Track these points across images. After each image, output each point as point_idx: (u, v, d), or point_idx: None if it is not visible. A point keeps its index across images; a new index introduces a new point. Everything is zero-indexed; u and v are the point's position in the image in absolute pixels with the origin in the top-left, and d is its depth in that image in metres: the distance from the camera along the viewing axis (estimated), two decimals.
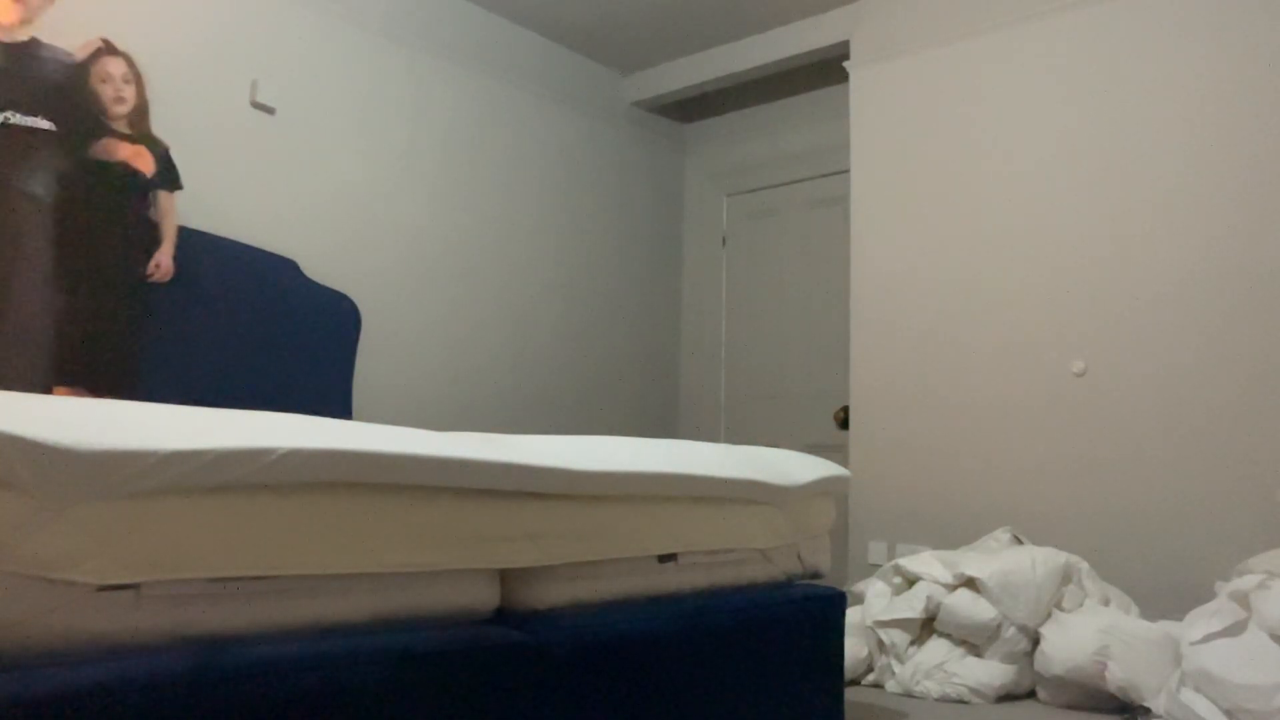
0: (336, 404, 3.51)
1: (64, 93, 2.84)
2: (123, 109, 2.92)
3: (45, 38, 2.87)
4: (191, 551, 1.21)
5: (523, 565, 1.64)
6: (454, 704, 1.44)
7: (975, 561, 3.02)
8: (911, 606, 3.02)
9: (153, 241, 2.98)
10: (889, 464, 3.90)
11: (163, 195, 3.03)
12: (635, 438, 2.10)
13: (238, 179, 3.49)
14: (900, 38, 4.06)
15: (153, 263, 2.95)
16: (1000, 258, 3.71)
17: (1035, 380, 3.57)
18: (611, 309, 4.90)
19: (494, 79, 4.39)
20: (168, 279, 2.99)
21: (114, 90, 2.90)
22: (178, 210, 3.07)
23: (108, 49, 2.93)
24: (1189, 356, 3.25)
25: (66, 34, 3.04)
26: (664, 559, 1.96)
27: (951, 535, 3.57)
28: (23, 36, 2.83)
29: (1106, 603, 3.01)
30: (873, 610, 3.11)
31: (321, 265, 3.66)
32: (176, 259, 3.02)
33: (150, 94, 3.03)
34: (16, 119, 2.72)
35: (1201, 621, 2.58)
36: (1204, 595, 2.82)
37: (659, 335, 5.17)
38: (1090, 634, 2.76)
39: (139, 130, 2.98)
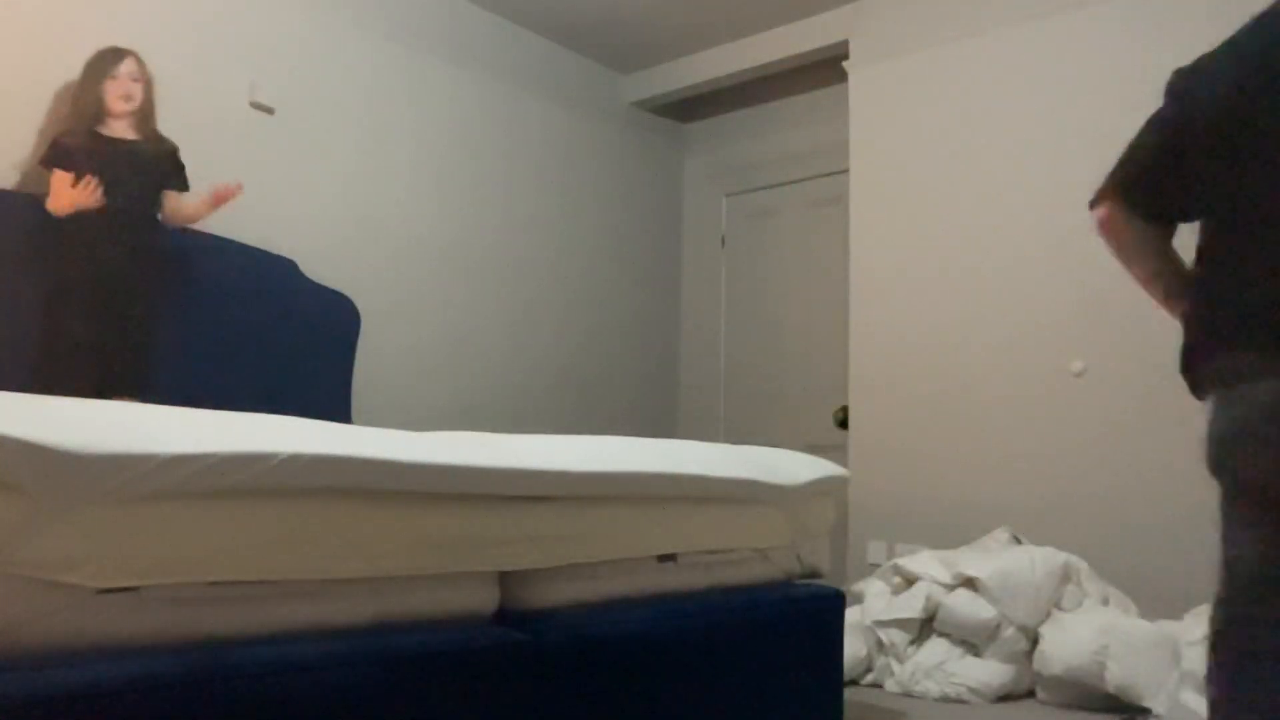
0: (336, 404, 3.51)
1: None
2: (129, 107, 2.90)
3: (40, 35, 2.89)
4: (192, 555, 1.21)
5: (523, 568, 1.64)
6: (455, 704, 1.45)
7: (974, 561, 3.02)
8: (911, 606, 3.02)
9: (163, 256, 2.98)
10: (888, 464, 3.90)
11: (170, 195, 3.00)
12: (635, 438, 2.10)
13: (236, 179, 3.48)
14: (899, 38, 4.06)
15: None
16: (999, 257, 3.71)
17: (1034, 380, 3.57)
18: (611, 309, 4.90)
19: (494, 79, 4.39)
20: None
21: (121, 88, 2.88)
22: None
23: (118, 48, 2.92)
24: None
25: (67, 35, 3.05)
26: (664, 559, 1.96)
27: (951, 535, 3.57)
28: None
29: (1106, 602, 3.01)
30: (872, 610, 3.11)
31: (320, 265, 3.65)
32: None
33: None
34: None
35: (1200, 621, 2.59)
36: (1204, 595, 2.81)
37: (659, 335, 5.17)
38: (1089, 634, 2.76)
39: (145, 131, 2.96)
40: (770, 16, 4.37)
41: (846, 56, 4.24)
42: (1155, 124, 1.40)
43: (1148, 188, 1.41)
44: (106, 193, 2.79)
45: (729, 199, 5.18)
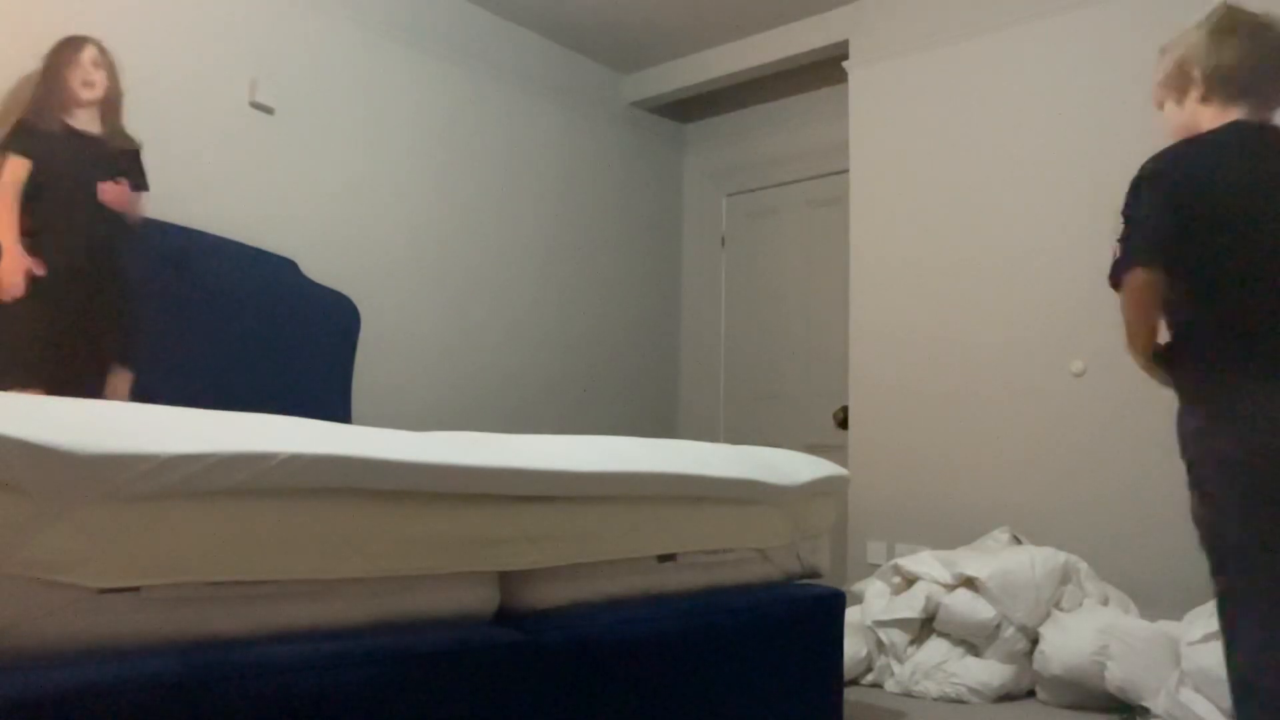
0: (335, 404, 3.51)
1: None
2: (91, 94, 2.78)
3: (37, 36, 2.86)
4: (192, 555, 1.21)
5: (522, 567, 1.64)
6: (454, 704, 1.45)
7: (974, 561, 3.02)
8: (911, 606, 3.02)
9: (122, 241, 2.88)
10: (888, 464, 3.90)
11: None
12: (635, 437, 2.10)
13: (236, 179, 3.49)
14: (900, 38, 4.06)
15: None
16: (999, 258, 3.71)
17: (1034, 380, 3.57)
18: (611, 309, 4.90)
19: (494, 79, 4.38)
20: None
21: (82, 76, 2.76)
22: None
23: (78, 36, 2.82)
24: None
25: (65, 34, 3.05)
26: (663, 559, 1.96)
27: (951, 535, 3.57)
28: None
29: (1105, 602, 3.01)
30: (872, 610, 3.11)
31: (320, 265, 3.65)
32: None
33: (149, 93, 3.00)
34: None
35: (1200, 621, 2.58)
36: (1203, 595, 2.81)
37: (659, 335, 5.17)
38: (1089, 634, 2.76)
39: (110, 121, 2.84)
40: (770, 16, 4.37)
41: (846, 56, 4.24)
42: (1157, 204, 1.80)
43: (1171, 251, 1.77)
44: (64, 184, 2.69)
45: (729, 199, 5.18)
